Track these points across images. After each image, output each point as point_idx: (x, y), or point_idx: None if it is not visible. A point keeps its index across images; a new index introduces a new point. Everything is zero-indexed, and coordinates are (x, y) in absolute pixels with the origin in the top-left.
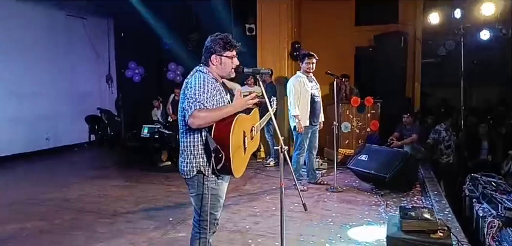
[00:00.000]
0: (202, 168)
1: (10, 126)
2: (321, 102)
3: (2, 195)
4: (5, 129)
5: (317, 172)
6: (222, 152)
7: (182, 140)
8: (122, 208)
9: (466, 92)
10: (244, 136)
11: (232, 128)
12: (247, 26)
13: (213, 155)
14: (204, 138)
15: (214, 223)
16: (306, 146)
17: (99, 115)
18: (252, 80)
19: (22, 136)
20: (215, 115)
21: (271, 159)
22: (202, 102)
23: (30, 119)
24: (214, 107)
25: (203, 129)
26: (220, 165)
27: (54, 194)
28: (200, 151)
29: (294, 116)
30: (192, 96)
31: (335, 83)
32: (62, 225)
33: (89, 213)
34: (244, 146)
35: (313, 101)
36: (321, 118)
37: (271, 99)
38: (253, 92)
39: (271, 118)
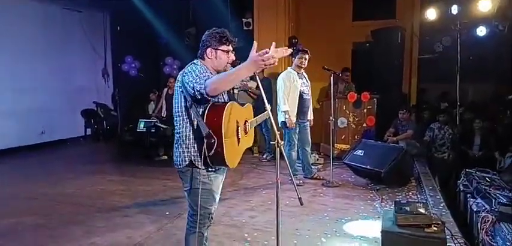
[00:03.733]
0: (193, 158)
1: (5, 120)
2: (311, 99)
3: None
4: (0, 123)
5: (313, 167)
6: (214, 137)
7: (177, 130)
8: (119, 202)
9: (462, 88)
10: (237, 126)
11: (224, 112)
12: (244, 20)
13: (205, 140)
14: (195, 126)
15: (209, 217)
16: (296, 141)
17: (95, 109)
18: None
19: (17, 130)
20: (227, 77)
21: (267, 154)
22: (204, 78)
23: (25, 112)
24: None
25: (195, 117)
26: (212, 151)
27: (50, 188)
28: (191, 140)
29: (284, 111)
30: (195, 77)
31: (331, 78)
32: (59, 219)
33: (85, 207)
34: (238, 136)
35: (301, 98)
36: (310, 116)
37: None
38: (249, 86)
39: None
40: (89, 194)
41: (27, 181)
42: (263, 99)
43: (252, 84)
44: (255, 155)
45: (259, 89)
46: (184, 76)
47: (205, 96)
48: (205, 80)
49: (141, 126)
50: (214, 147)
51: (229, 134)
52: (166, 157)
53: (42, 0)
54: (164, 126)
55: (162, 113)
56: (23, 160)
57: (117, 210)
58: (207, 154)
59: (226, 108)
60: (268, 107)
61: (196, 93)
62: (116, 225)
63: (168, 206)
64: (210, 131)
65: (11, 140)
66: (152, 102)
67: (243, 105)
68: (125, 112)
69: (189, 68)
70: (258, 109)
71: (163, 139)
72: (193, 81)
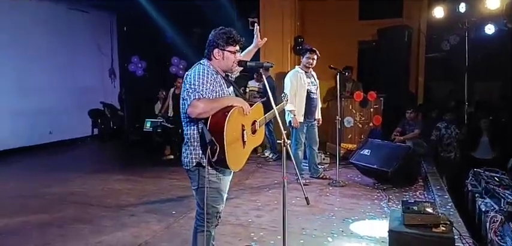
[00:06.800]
0: (200, 160)
1: (13, 120)
2: (319, 99)
3: (6, 188)
4: (8, 123)
5: (319, 166)
6: (216, 144)
7: (185, 132)
8: (126, 201)
9: (470, 87)
10: (243, 129)
11: (227, 120)
12: (250, 19)
13: (209, 146)
14: (200, 130)
15: (217, 216)
16: (303, 140)
17: (102, 109)
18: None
19: (25, 130)
20: (214, 105)
21: (272, 154)
22: (201, 92)
23: (33, 112)
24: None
25: (199, 121)
26: (216, 157)
27: (57, 188)
28: (198, 143)
29: (289, 111)
30: (192, 86)
31: (338, 77)
32: (66, 218)
33: (92, 206)
34: (243, 139)
35: (308, 97)
36: (317, 115)
37: (282, 95)
38: (259, 86)
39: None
40: (96, 193)
41: (36, 180)
42: (269, 99)
43: (252, 84)
44: (259, 154)
45: (266, 91)
46: (187, 78)
47: (185, 110)
48: (194, 99)
49: (148, 125)
50: (217, 154)
51: (232, 140)
52: (172, 157)
53: (49, 1)
54: (171, 126)
55: (169, 113)
56: (31, 159)
57: (124, 209)
58: (210, 159)
59: (228, 115)
60: (273, 104)
61: (184, 101)
62: (123, 224)
63: (174, 205)
64: (213, 138)
65: (20, 139)
66: (159, 102)
67: (251, 105)
68: (132, 112)
69: (194, 70)
70: (267, 109)
71: (169, 139)
72: (188, 89)
